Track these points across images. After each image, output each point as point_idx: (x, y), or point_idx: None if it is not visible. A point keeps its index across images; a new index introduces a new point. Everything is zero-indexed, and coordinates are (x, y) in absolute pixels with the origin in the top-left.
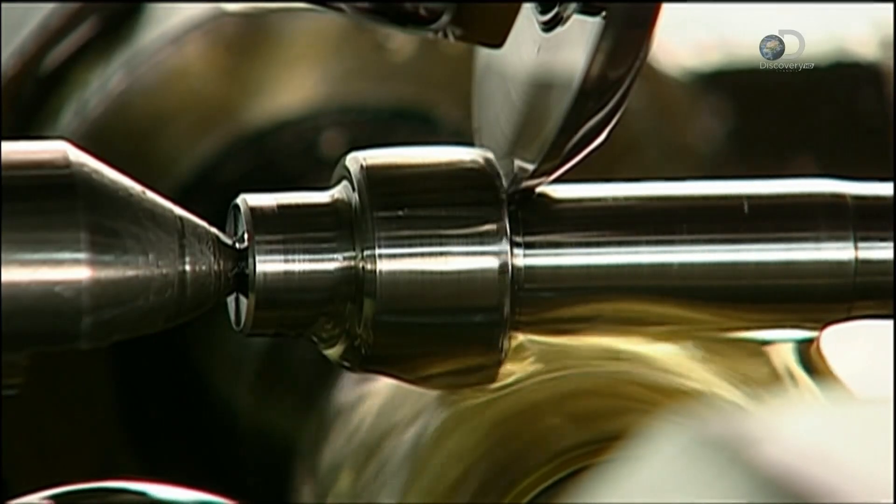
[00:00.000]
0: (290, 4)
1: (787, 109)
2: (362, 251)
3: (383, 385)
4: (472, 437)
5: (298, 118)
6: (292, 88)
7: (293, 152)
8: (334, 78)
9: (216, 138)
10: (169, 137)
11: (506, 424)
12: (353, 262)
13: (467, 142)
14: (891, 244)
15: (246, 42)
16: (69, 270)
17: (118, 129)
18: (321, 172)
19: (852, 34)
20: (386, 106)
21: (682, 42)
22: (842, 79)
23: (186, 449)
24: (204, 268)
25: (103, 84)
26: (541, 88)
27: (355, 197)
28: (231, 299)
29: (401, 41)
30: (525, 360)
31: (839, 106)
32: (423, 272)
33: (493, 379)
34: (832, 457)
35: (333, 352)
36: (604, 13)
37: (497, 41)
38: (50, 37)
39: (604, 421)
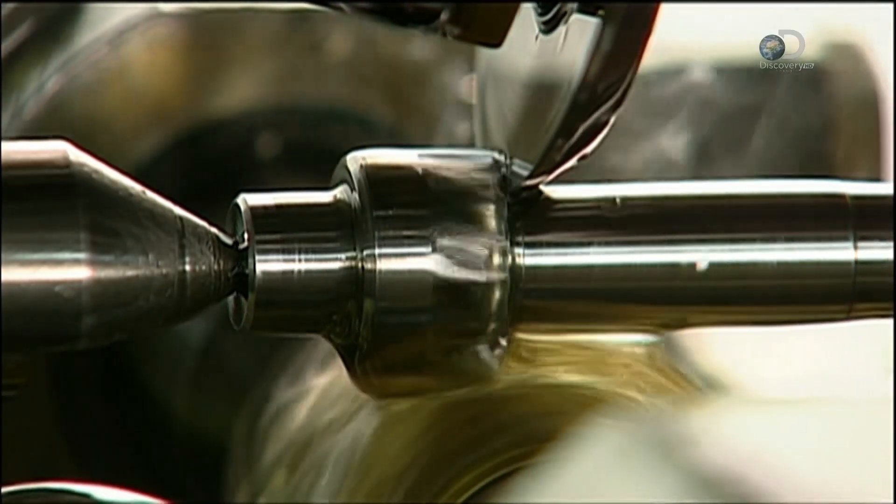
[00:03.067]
0: (227, 5)
1: (727, 113)
2: (362, 251)
3: (319, 383)
4: (408, 438)
5: (234, 119)
6: (228, 89)
7: (230, 152)
8: (270, 78)
9: (153, 139)
10: (106, 138)
11: (440, 425)
12: (352, 262)
13: (402, 142)
14: (891, 244)
15: (183, 43)
16: (69, 270)
17: (55, 131)
18: (258, 172)
19: (793, 36)
20: (321, 106)
21: None
22: (778, 80)
23: (121, 449)
24: (204, 268)
25: (40, 86)
26: (540, 88)
27: (355, 197)
28: (231, 299)
29: (336, 42)
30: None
31: (780, 108)
32: (422, 272)
33: (493, 378)
34: (767, 458)
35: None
36: (602, 13)
37: (496, 41)
38: None
39: (538, 422)
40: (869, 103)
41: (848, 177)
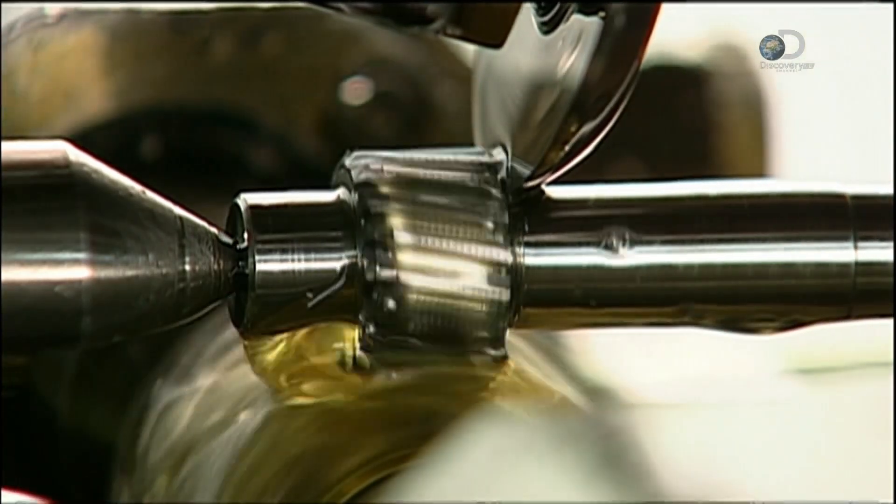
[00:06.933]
0: (107, 6)
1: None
2: (362, 251)
3: (203, 385)
4: (290, 439)
5: (116, 121)
6: (111, 92)
7: (112, 155)
8: (153, 81)
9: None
10: None
11: (322, 426)
12: (353, 262)
13: (288, 145)
14: (891, 245)
15: (64, 46)
16: (69, 270)
17: None
18: (141, 175)
19: (679, 36)
20: (204, 109)
21: None
22: (663, 81)
23: (4, 451)
24: (204, 268)
25: None
26: (541, 89)
27: (354, 197)
28: (231, 299)
29: (220, 45)
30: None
31: (661, 108)
32: (423, 272)
33: (493, 378)
34: (652, 457)
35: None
36: (602, 14)
37: (497, 41)
38: None
39: (419, 424)
40: (753, 103)
41: (733, 175)
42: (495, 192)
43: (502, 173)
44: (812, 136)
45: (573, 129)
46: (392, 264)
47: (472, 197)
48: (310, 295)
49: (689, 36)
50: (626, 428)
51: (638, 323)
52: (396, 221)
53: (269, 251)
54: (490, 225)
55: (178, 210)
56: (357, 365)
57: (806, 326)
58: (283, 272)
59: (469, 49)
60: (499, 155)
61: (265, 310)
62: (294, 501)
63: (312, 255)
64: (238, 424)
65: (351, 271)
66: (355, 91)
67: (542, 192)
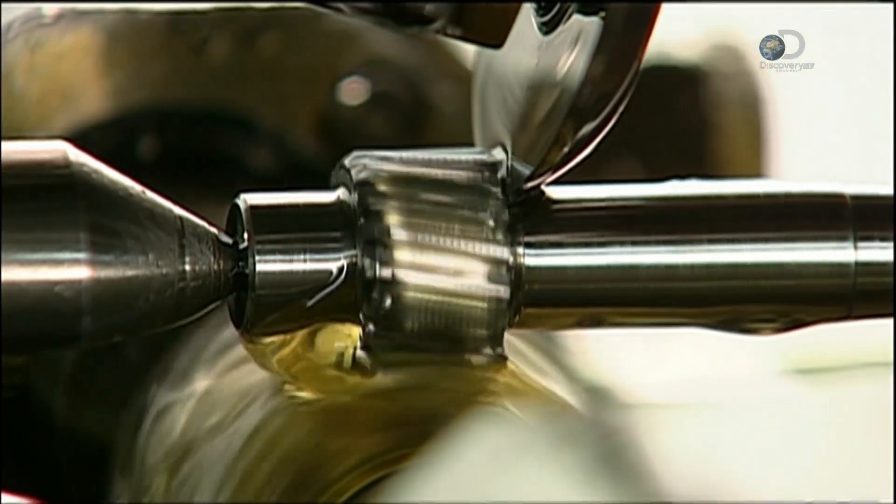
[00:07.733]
0: (105, 6)
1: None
2: (362, 250)
3: (202, 386)
4: (288, 438)
5: (114, 121)
6: (109, 92)
7: (110, 155)
8: (151, 81)
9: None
10: None
11: (323, 423)
12: (352, 262)
13: (285, 145)
14: (891, 245)
15: (62, 46)
16: (69, 270)
17: None
18: (139, 175)
19: (676, 36)
20: (202, 109)
21: None
22: (661, 81)
23: (3, 451)
24: (204, 268)
25: None
26: (541, 90)
27: (354, 197)
28: (231, 299)
29: (217, 45)
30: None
31: (659, 108)
32: (423, 272)
33: (492, 378)
34: (648, 459)
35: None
36: (602, 14)
37: (497, 41)
38: None
39: (423, 421)
40: (751, 103)
41: (731, 175)
42: (495, 191)
43: (502, 173)
44: (812, 136)
45: (573, 129)
46: (391, 263)
47: (471, 196)
48: (309, 294)
49: (687, 36)
50: (626, 428)
51: (638, 323)
52: (395, 220)
53: (269, 251)
54: (490, 225)
55: (178, 210)
56: (357, 365)
57: (806, 326)
58: (283, 272)
59: (468, 49)
60: (499, 155)
61: (265, 310)
62: (292, 501)
63: (312, 255)
64: (236, 425)
65: (350, 271)
66: (353, 91)
67: (542, 192)
